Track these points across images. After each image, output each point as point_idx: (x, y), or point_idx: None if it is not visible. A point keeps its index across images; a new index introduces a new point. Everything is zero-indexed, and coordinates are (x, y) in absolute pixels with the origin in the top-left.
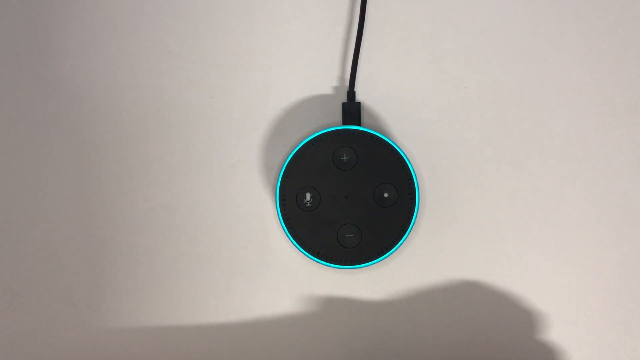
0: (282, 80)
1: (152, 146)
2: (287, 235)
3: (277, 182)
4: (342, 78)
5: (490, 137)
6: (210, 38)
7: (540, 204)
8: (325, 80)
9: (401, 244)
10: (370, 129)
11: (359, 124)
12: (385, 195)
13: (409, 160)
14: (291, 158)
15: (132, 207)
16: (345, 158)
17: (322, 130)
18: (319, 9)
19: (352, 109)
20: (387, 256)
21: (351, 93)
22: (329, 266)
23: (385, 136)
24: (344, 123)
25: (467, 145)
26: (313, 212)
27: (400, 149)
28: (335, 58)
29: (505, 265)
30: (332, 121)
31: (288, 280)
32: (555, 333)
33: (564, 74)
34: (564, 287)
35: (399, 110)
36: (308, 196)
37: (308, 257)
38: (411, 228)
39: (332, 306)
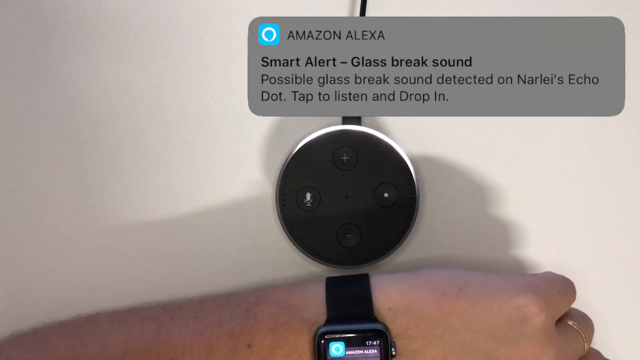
0: None
1: (152, 146)
2: (287, 235)
3: (277, 182)
4: None
5: (490, 137)
6: (210, 38)
7: (540, 204)
8: None
9: (401, 244)
10: (370, 129)
11: (359, 124)
12: (385, 195)
13: (409, 160)
14: (291, 158)
15: (132, 208)
16: (345, 158)
17: (322, 130)
18: (318, 9)
19: None
20: (387, 256)
21: None
22: (329, 266)
23: (385, 136)
24: (344, 123)
25: (467, 145)
26: (313, 212)
27: (400, 149)
28: None
29: (505, 265)
30: (332, 121)
31: (288, 280)
32: None
33: None
34: None
35: None
36: (308, 196)
37: (308, 257)
38: (411, 228)
39: None
